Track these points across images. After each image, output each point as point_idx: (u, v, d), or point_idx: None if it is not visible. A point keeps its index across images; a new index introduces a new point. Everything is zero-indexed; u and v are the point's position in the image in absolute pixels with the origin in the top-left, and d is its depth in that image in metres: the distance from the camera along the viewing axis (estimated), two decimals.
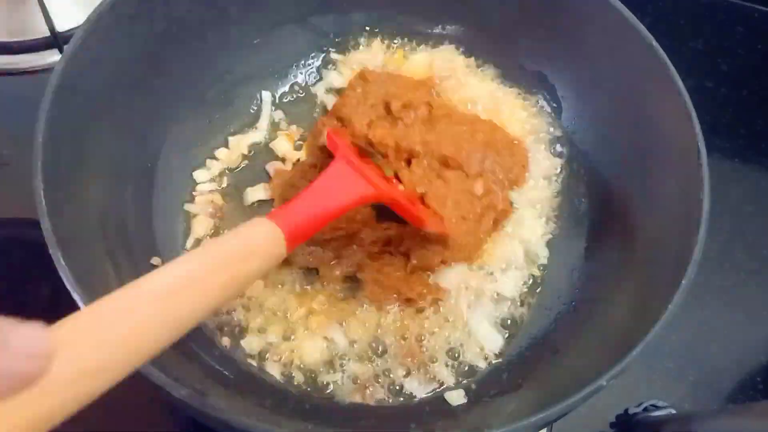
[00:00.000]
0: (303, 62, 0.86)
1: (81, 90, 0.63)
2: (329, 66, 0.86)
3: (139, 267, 0.67)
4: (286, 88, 0.85)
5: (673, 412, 0.71)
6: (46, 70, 0.90)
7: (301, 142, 0.82)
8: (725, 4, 1.05)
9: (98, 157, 0.66)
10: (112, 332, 0.37)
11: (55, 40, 0.89)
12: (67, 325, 0.36)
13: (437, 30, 0.87)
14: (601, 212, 0.77)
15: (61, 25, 0.90)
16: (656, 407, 0.71)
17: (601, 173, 0.78)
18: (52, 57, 0.91)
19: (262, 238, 0.51)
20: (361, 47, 0.87)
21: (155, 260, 0.71)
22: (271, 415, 0.62)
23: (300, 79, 0.86)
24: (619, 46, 0.73)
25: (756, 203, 0.90)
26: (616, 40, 0.73)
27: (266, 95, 0.84)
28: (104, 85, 0.67)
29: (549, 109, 0.84)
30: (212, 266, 0.46)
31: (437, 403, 0.68)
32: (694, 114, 0.65)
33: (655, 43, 0.69)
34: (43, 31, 0.90)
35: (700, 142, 0.64)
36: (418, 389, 0.68)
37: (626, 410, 0.73)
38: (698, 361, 0.78)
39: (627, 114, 0.75)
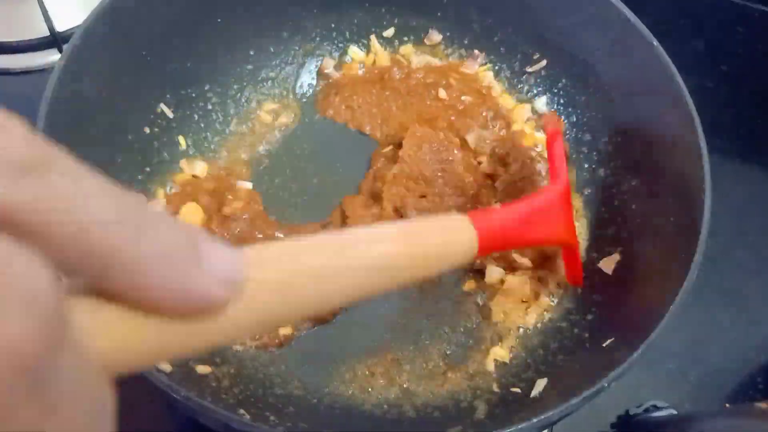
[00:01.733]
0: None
1: (80, 90, 0.63)
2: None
3: None
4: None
5: (674, 412, 0.71)
6: (46, 70, 0.90)
7: None
8: (725, 4, 1.05)
9: (99, 156, 0.66)
10: (299, 278, 0.31)
11: (55, 40, 0.89)
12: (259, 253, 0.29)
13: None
14: (600, 213, 0.77)
15: (61, 25, 0.90)
16: (657, 408, 0.71)
17: (601, 174, 0.78)
18: (52, 57, 0.91)
19: (459, 228, 0.48)
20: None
21: None
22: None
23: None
24: (619, 46, 0.73)
25: (757, 203, 0.90)
26: (617, 40, 0.73)
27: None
28: (104, 85, 0.66)
29: (546, 110, 0.84)
30: (415, 240, 0.41)
31: None
32: (695, 114, 0.65)
33: (655, 42, 0.69)
34: (43, 31, 0.90)
35: (701, 142, 0.64)
36: None
37: (627, 411, 0.72)
38: (699, 361, 0.78)
39: (627, 114, 0.75)
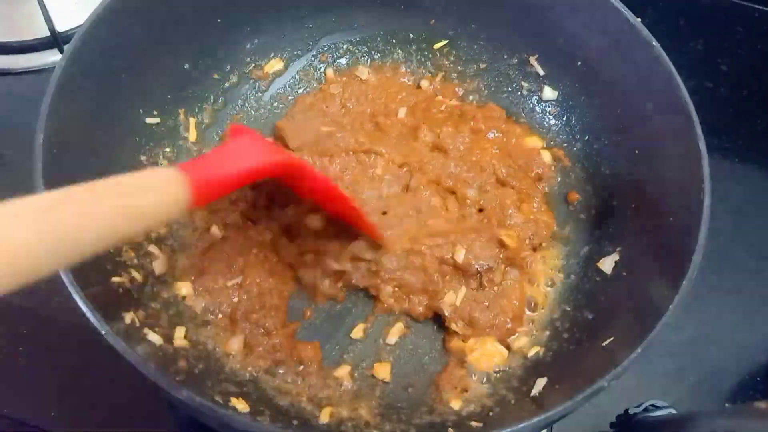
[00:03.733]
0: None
1: (81, 90, 0.63)
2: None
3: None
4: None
5: (673, 412, 0.71)
6: (46, 70, 0.90)
7: None
8: (725, 4, 1.05)
9: (99, 156, 0.66)
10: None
11: (55, 40, 0.89)
12: None
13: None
14: (600, 214, 0.77)
15: (61, 25, 0.90)
16: (656, 407, 0.71)
17: (600, 174, 0.78)
18: (52, 57, 0.91)
19: (161, 178, 0.51)
20: None
21: None
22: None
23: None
24: (619, 46, 0.73)
25: (756, 203, 0.90)
26: (617, 41, 0.73)
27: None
28: (104, 85, 0.66)
29: (546, 110, 0.84)
30: (102, 191, 0.46)
31: None
32: (694, 114, 0.65)
33: (655, 43, 0.69)
34: (43, 31, 0.90)
35: (701, 142, 0.64)
36: None
37: (626, 410, 0.72)
38: (698, 361, 0.78)
39: (627, 114, 0.75)
